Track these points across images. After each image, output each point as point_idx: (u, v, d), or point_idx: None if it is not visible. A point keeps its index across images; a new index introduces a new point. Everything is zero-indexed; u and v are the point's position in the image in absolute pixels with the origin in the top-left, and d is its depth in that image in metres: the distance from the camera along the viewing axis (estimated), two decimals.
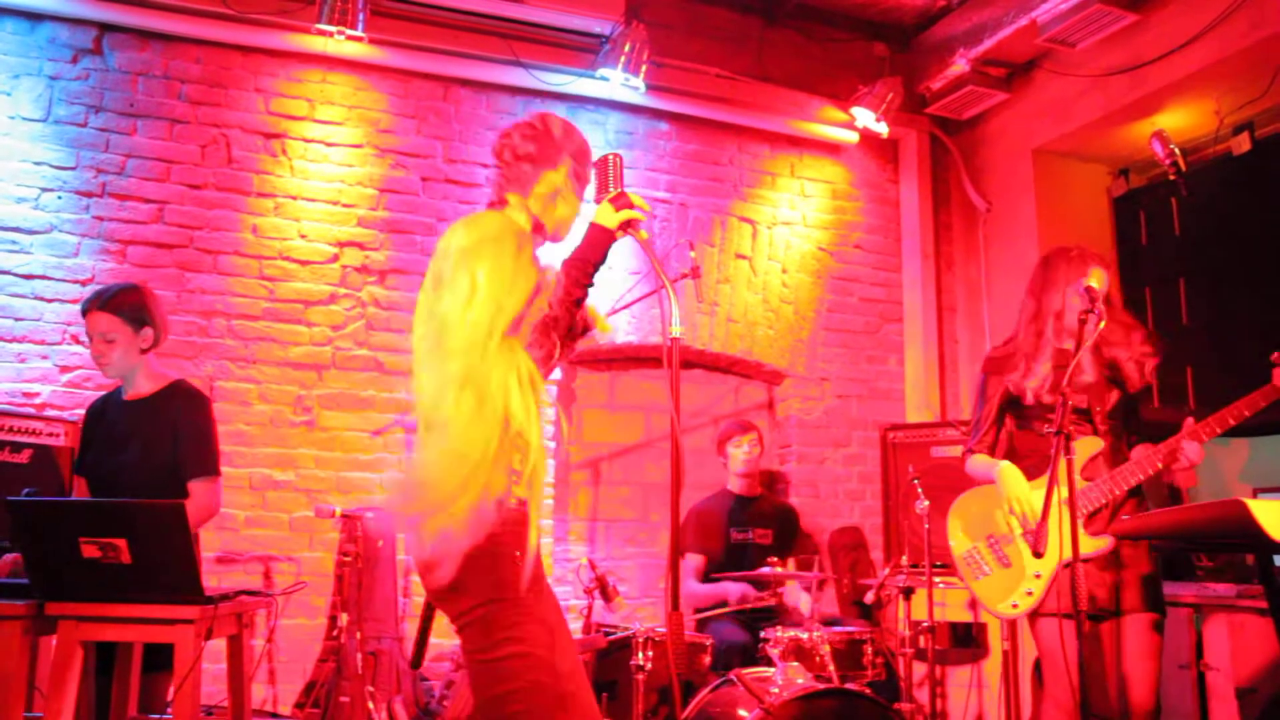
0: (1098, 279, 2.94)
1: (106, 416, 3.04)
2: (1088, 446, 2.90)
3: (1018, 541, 2.92)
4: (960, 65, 5.12)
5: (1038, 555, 2.46)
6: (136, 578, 2.39)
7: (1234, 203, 4.60)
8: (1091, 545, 2.79)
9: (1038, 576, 2.85)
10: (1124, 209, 5.27)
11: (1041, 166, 5.21)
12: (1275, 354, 2.72)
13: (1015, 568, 2.91)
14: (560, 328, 2.05)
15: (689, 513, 4.50)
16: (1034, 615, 2.88)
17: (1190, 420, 2.82)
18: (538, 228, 2.20)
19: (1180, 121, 4.72)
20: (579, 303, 2.09)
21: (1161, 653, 2.86)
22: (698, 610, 4.10)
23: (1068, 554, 2.54)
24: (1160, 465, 2.82)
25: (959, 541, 3.08)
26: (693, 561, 4.35)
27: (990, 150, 5.48)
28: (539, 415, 1.97)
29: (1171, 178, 4.62)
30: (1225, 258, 4.66)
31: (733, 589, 4.09)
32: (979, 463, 3.09)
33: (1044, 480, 2.83)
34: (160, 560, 2.38)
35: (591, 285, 2.10)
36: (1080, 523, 2.78)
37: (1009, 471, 2.97)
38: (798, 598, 4.17)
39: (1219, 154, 4.71)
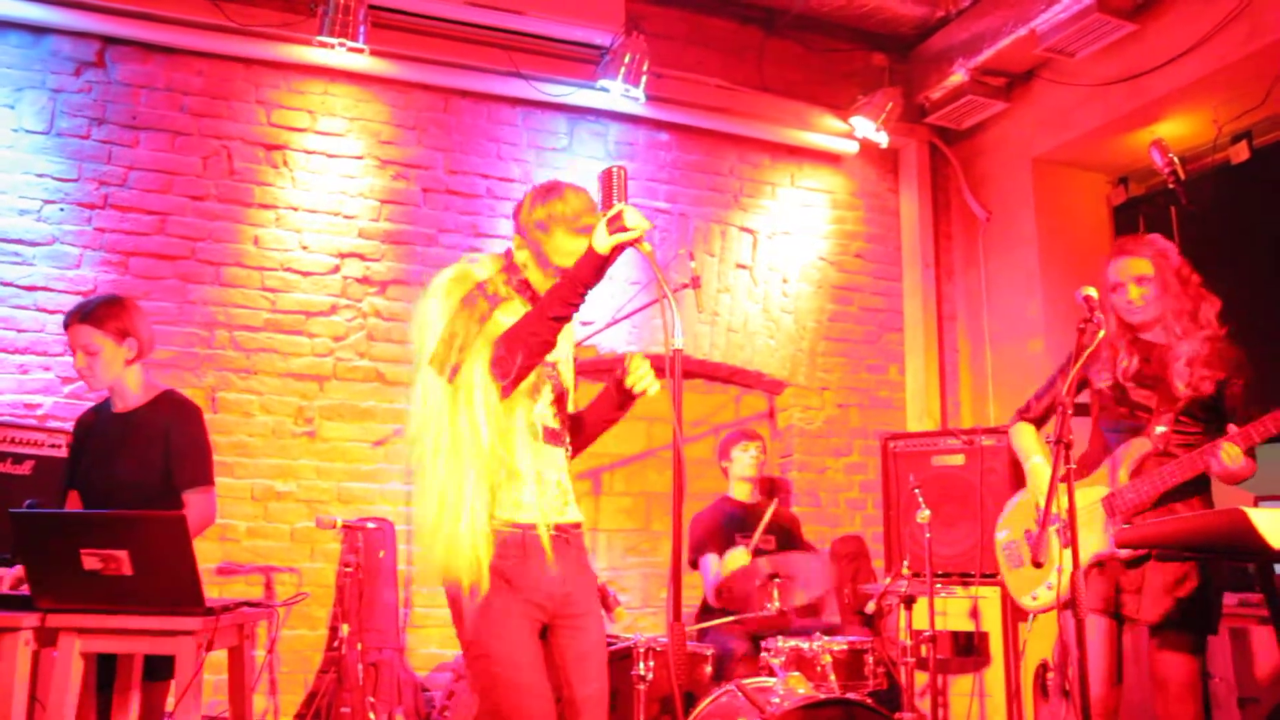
0: (1116, 271, 2.95)
1: (97, 429, 3.03)
2: (1136, 448, 2.90)
3: (1051, 537, 2.91)
4: (959, 75, 5.14)
5: (1037, 565, 2.45)
6: (138, 589, 2.39)
7: (1233, 211, 4.62)
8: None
9: (1060, 571, 2.81)
10: (1124, 217, 5.28)
11: (1041, 175, 5.23)
12: None
13: (1047, 564, 2.85)
14: (533, 342, 2.11)
15: (691, 521, 4.49)
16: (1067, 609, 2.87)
17: (1231, 426, 2.75)
18: (515, 271, 2.32)
19: (1179, 130, 4.73)
20: (559, 319, 2.11)
21: (1187, 671, 2.79)
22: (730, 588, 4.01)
23: (1090, 553, 2.55)
24: (1198, 469, 2.75)
25: (1005, 531, 3.16)
26: (713, 562, 4.27)
27: (990, 159, 5.49)
28: (516, 434, 2.19)
29: (1170, 186, 4.63)
30: (1224, 266, 4.66)
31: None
32: (1021, 435, 3.15)
33: (1098, 476, 2.84)
34: (161, 571, 2.38)
35: (578, 305, 2.10)
36: (1113, 522, 2.80)
37: (1039, 471, 3.03)
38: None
39: (1218, 163, 4.73)
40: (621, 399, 2.42)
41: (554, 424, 2.32)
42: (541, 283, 2.27)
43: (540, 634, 2.24)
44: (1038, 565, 2.45)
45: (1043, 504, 2.89)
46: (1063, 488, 2.50)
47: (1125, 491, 2.84)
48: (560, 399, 2.36)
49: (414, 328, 2.25)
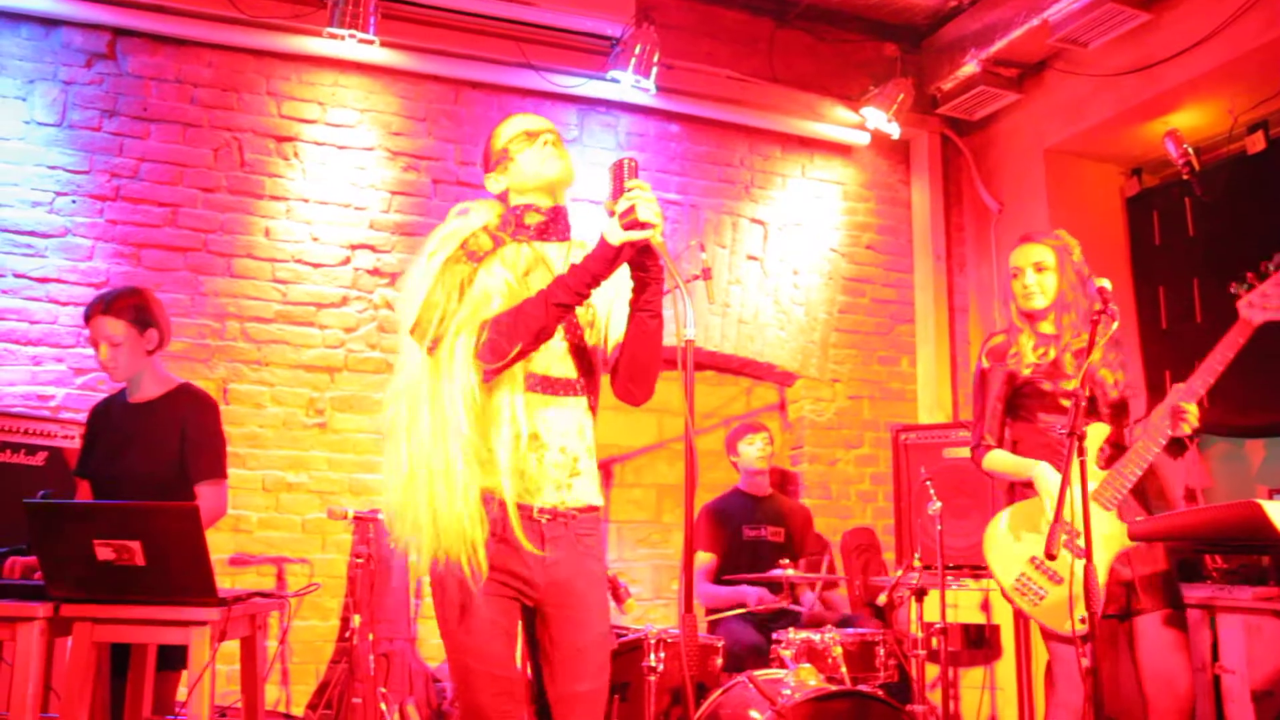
0: (1016, 257, 3.10)
1: (110, 419, 3.04)
2: (1098, 433, 2.88)
3: (1063, 554, 2.79)
4: (971, 66, 5.11)
5: (1050, 558, 2.42)
6: (151, 579, 2.40)
7: (1248, 202, 4.57)
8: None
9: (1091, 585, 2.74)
10: (1137, 209, 5.24)
11: (1054, 167, 5.19)
12: (1232, 285, 2.72)
13: (1068, 581, 2.68)
14: (534, 328, 2.01)
15: (701, 511, 4.50)
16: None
17: (1178, 385, 2.79)
18: (512, 211, 2.22)
19: (1193, 121, 4.69)
20: (563, 306, 2.01)
21: (1188, 647, 2.83)
22: (711, 611, 4.09)
23: (1110, 552, 2.61)
24: (1168, 435, 2.76)
25: (1005, 572, 2.89)
26: (704, 561, 4.35)
27: (1002, 151, 5.46)
28: (503, 416, 2.04)
29: (1185, 177, 4.60)
30: (1239, 257, 4.62)
31: (750, 593, 4.08)
32: (1003, 457, 3.00)
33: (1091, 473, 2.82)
34: (174, 562, 2.39)
35: (586, 295, 2.01)
36: (1114, 513, 2.78)
37: (1048, 473, 2.84)
38: (808, 598, 4.19)
39: (1233, 153, 4.68)
40: (635, 264, 2.06)
41: (557, 373, 2.13)
42: (528, 190, 2.19)
43: (530, 617, 2.13)
44: (1051, 558, 2.41)
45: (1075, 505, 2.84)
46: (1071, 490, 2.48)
47: (1112, 479, 2.81)
48: (578, 350, 2.16)
49: (400, 291, 2.16)
